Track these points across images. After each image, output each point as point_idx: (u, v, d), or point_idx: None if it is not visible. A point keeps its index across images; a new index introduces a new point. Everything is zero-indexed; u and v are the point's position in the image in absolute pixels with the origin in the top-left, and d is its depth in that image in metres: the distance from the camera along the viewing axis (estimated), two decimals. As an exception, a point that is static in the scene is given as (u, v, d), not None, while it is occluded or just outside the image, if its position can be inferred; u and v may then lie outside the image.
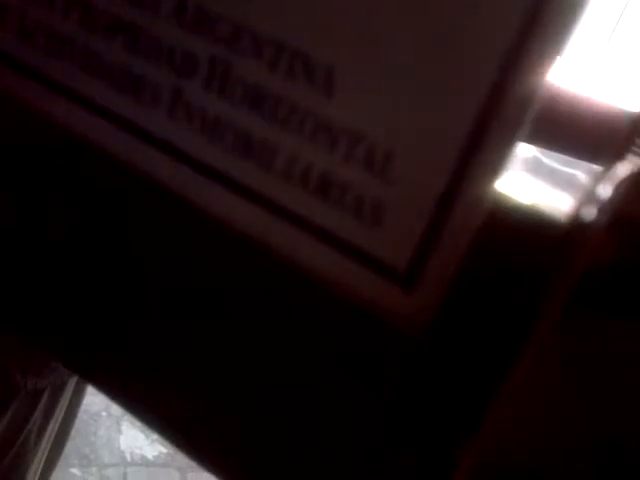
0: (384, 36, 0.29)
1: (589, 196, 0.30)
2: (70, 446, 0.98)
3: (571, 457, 0.28)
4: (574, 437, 0.28)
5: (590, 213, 0.28)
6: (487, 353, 0.30)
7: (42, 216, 0.43)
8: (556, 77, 0.28)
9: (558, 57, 0.27)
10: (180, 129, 0.34)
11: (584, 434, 0.28)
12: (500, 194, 0.30)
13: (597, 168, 0.36)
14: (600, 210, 0.28)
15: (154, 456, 1.90)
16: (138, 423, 1.94)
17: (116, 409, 1.94)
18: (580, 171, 0.40)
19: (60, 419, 0.84)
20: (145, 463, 1.88)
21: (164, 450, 1.89)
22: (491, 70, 0.28)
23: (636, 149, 0.29)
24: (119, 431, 1.93)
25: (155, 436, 1.91)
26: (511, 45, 0.27)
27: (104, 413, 1.94)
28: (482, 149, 0.28)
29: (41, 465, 0.85)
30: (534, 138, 0.30)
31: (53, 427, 0.83)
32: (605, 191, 0.28)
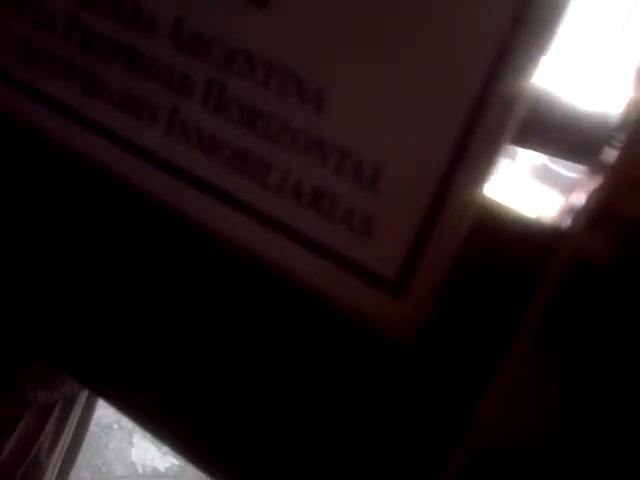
0: (371, 56, 0.30)
1: (568, 201, 0.30)
2: (82, 459, 0.99)
3: (561, 458, 0.29)
4: (564, 439, 0.28)
5: (566, 218, 0.29)
6: (475, 358, 0.31)
7: (44, 231, 0.44)
8: (541, 80, 0.29)
9: (542, 60, 0.28)
10: (177, 146, 0.35)
11: (574, 436, 0.29)
12: (487, 202, 0.30)
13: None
14: (576, 214, 0.28)
15: (166, 468, 1.90)
16: (150, 435, 1.92)
17: (128, 421, 1.94)
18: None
19: (72, 432, 0.84)
20: (157, 475, 1.88)
21: (176, 462, 1.89)
22: (476, 79, 0.28)
23: (618, 149, 0.29)
24: (131, 443, 1.93)
25: (167, 448, 1.89)
26: (496, 52, 0.28)
27: (116, 425, 1.94)
28: (468, 157, 0.29)
29: (53, 478, 0.86)
30: (520, 141, 0.31)
31: (65, 440, 0.83)
32: (580, 196, 0.29)
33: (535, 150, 0.42)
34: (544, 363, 0.28)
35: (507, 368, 0.28)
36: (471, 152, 0.29)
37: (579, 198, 0.30)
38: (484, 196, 0.30)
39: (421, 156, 0.30)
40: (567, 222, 0.30)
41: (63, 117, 0.38)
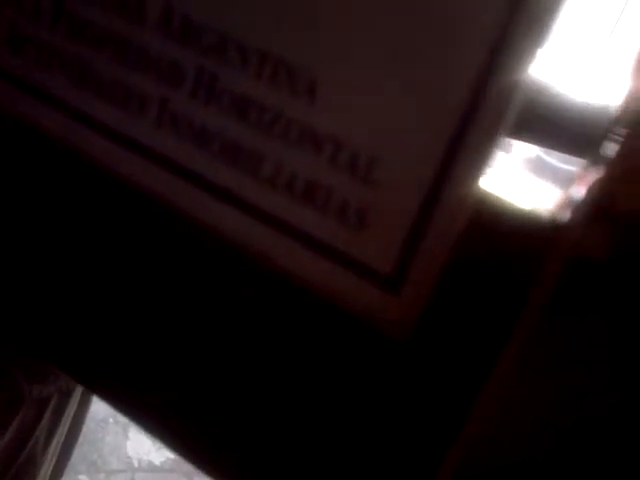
0: (365, 44, 0.30)
1: (567, 194, 0.30)
2: (78, 453, 0.98)
3: (557, 457, 0.28)
4: (560, 438, 0.28)
5: (564, 211, 0.28)
6: (471, 354, 0.30)
7: (33, 225, 0.44)
8: (537, 71, 0.28)
9: (539, 52, 0.27)
10: (167, 138, 0.35)
11: (571, 435, 0.28)
12: (484, 195, 0.30)
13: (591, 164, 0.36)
14: (575, 208, 0.28)
15: (161, 462, 1.90)
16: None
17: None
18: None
19: (67, 426, 0.84)
20: (152, 469, 1.88)
21: (171, 456, 1.89)
22: (472, 71, 0.28)
23: (617, 142, 0.29)
24: (126, 437, 1.93)
25: (162, 442, 1.90)
26: (492, 45, 0.27)
27: (111, 420, 1.94)
28: (465, 149, 0.29)
29: (49, 472, 0.86)
30: (517, 133, 0.30)
31: (60, 434, 0.83)
32: (580, 189, 0.28)
33: (532, 143, 0.41)
34: (541, 360, 0.28)
35: (504, 365, 0.28)
36: (468, 144, 0.28)
37: (577, 191, 0.30)
38: (481, 189, 0.29)
39: (417, 148, 0.29)
40: (565, 215, 0.29)
41: (49, 107, 0.37)
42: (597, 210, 0.27)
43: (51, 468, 0.86)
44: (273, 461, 0.40)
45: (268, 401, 0.38)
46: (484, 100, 0.28)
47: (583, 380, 0.28)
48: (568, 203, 0.29)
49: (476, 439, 0.29)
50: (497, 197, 0.31)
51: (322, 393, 0.35)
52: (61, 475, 0.92)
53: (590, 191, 0.28)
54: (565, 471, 0.28)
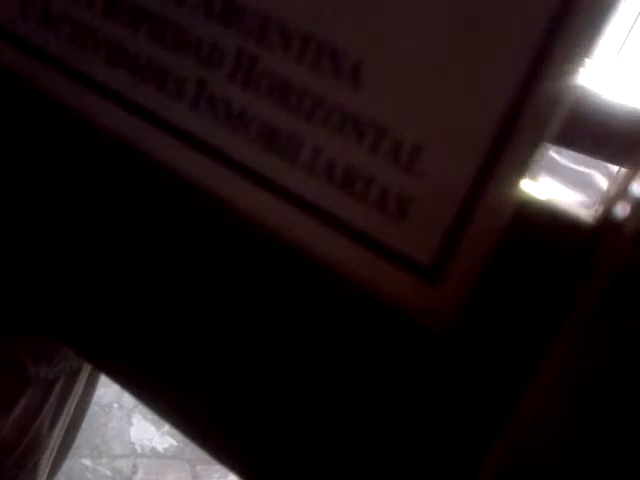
0: (413, 30, 0.29)
1: (619, 195, 0.29)
2: (81, 437, 0.98)
3: (588, 464, 0.28)
4: (605, 443, 0.28)
5: (621, 213, 0.28)
6: (514, 351, 0.30)
7: (54, 202, 0.43)
8: (586, 78, 0.28)
9: (588, 57, 0.27)
10: (204, 120, 0.34)
11: (617, 441, 0.28)
12: (527, 192, 0.29)
13: (617, 168, 0.35)
14: (632, 210, 0.27)
15: (164, 448, 1.91)
16: (149, 415, 1.95)
17: (127, 401, 1.95)
18: (595, 171, 0.39)
19: (73, 408, 0.84)
20: (155, 455, 1.89)
21: (174, 442, 1.90)
22: (521, 67, 0.27)
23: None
24: (130, 423, 1.94)
25: (165, 428, 1.92)
26: (541, 42, 0.27)
27: (115, 405, 1.95)
28: (510, 146, 0.28)
29: (53, 454, 0.86)
30: (562, 138, 0.30)
31: (65, 417, 0.83)
32: (637, 190, 0.28)
33: (578, 151, 0.41)
34: (588, 360, 0.27)
35: (548, 364, 0.27)
36: (513, 142, 0.28)
37: (623, 194, 0.29)
38: (525, 184, 0.29)
39: (462, 139, 0.29)
40: (614, 217, 0.29)
41: (85, 87, 0.37)
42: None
43: (55, 450, 0.86)
44: (288, 449, 0.39)
45: (290, 389, 0.38)
46: (532, 99, 0.27)
47: (630, 385, 0.27)
48: (619, 204, 0.29)
49: (515, 443, 0.28)
50: (539, 195, 0.30)
51: (358, 386, 0.35)
52: (65, 458, 0.92)
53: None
54: (596, 472, 0.28)
